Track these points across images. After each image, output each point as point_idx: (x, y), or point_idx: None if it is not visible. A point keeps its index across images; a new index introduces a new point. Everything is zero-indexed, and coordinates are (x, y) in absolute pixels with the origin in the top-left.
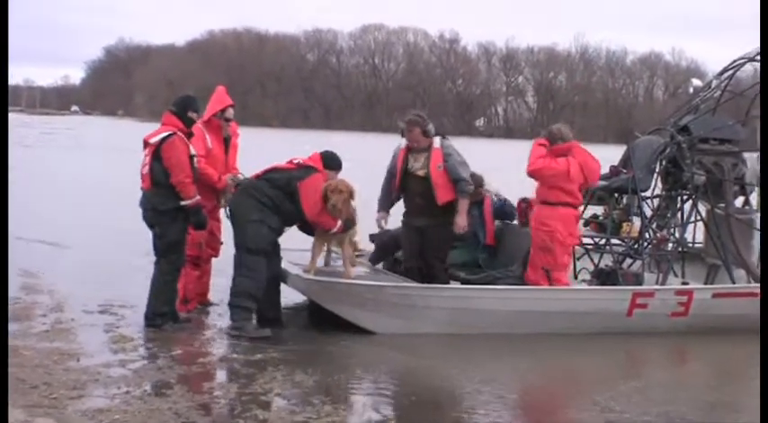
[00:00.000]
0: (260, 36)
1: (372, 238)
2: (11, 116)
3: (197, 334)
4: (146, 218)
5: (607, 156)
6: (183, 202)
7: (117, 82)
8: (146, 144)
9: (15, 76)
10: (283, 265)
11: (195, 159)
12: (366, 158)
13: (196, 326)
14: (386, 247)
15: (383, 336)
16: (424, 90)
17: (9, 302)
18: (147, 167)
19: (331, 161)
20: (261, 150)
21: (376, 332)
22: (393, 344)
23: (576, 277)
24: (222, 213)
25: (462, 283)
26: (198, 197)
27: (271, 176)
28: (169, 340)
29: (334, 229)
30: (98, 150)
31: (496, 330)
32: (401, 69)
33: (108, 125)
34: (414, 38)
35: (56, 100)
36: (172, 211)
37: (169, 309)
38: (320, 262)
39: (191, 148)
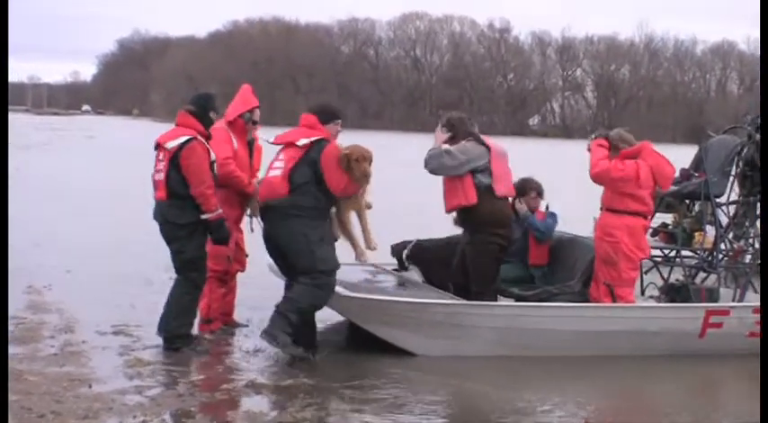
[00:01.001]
0: (289, 26)
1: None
2: (15, 116)
3: (220, 357)
4: (162, 232)
5: (676, 157)
6: (204, 216)
7: (132, 78)
8: (159, 147)
9: (19, 73)
10: None
11: (215, 166)
12: (407, 161)
13: (219, 348)
14: (421, 262)
15: (426, 358)
16: (471, 85)
17: (13, 323)
18: (161, 175)
19: (326, 114)
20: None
21: (418, 354)
22: (438, 367)
23: (642, 293)
24: (245, 223)
25: (515, 301)
26: (220, 210)
27: (298, 183)
28: (190, 364)
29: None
30: (109, 153)
31: (553, 352)
32: (446, 62)
33: (122, 126)
34: (460, 27)
35: (65, 98)
36: (190, 224)
37: (189, 330)
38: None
39: (211, 153)
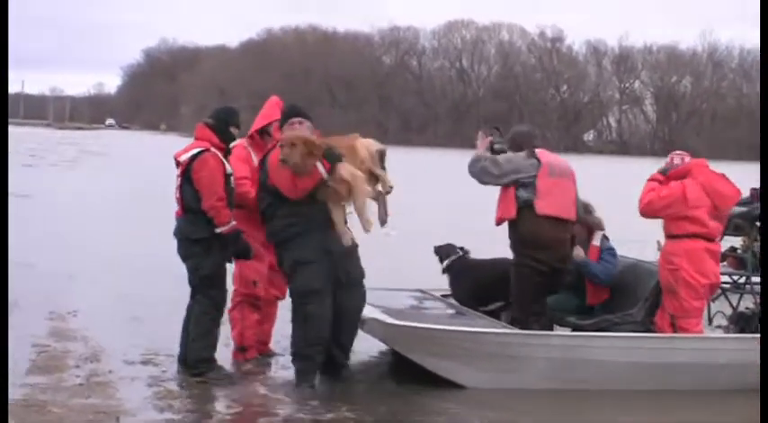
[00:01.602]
0: (327, 35)
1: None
2: (35, 131)
3: (256, 389)
4: (178, 249)
5: (743, 175)
6: (217, 230)
7: (159, 90)
8: (177, 162)
9: (41, 85)
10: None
11: (232, 179)
12: (453, 178)
13: (255, 379)
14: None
15: (477, 391)
16: (520, 98)
17: (35, 351)
18: (179, 191)
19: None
20: None
21: (468, 387)
22: (488, 401)
23: (710, 322)
24: None
25: (572, 330)
26: (234, 223)
27: (271, 203)
28: (223, 396)
29: (324, 177)
30: (132, 168)
31: (613, 386)
32: (494, 73)
33: (148, 141)
34: (509, 36)
35: (88, 111)
36: (204, 240)
37: (211, 354)
38: None
39: (227, 166)
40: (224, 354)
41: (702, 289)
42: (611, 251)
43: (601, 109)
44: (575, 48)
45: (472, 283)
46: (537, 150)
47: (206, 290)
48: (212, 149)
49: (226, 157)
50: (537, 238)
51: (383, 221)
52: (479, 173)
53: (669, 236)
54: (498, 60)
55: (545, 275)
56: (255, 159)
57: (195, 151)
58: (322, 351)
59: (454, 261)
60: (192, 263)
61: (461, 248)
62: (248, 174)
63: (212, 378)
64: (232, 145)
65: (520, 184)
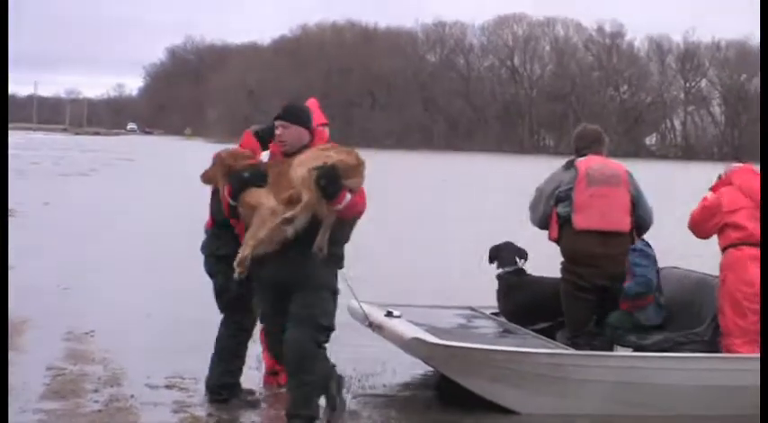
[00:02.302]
0: (367, 31)
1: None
2: (51, 137)
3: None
4: (205, 264)
5: None
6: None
7: (184, 92)
8: None
9: (57, 87)
10: (401, 324)
11: None
12: (509, 187)
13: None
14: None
15: (530, 418)
16: (577, 99)
17: (51, 374)
18: (210, 202)
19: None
20: (369, 179)
21: (521, 413)
22: None
23: None
24: None
25: (633, 350)
26: None
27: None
28: (252, 422)
29: (229, 201)
30: (155, 177)
31: (679, 411)
32: (548, 72)
33: (173, 147)
34: (564, 32)
35: (108, 116)
36: (231, 257)
37: (236, 379)
38: None
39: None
40: (255, 377)
41: (748, 302)
42: (642, 252)
43: (664, 110)
44: (636, 44)
45: (524, 299)
46: (581, 159)
47: (231, 313)
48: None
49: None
50: (576, 254)
51: (319, 249)
52: (531, 218)
53: (721, 250)
54: (553, 58)
55: (589, 293)
56: None
57: None
58: None
59: (510, 273)
60: (218, 282)
61: (520, 253)
62: None
63: (236, 404)
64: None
65: (558, 198)
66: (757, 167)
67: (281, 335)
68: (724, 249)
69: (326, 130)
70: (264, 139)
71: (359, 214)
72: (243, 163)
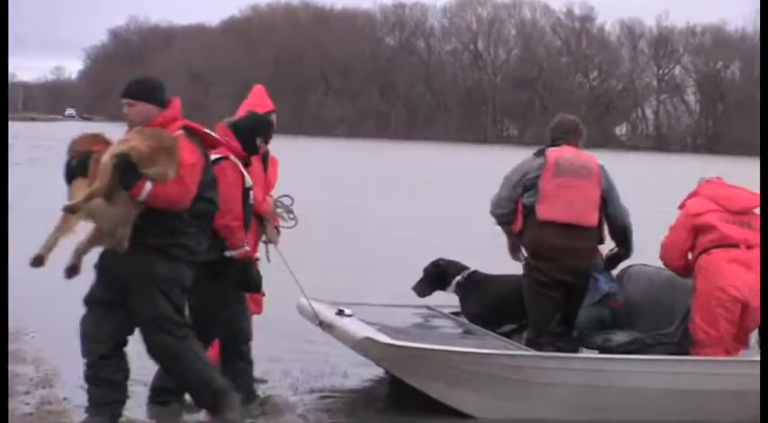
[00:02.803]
0: (321, 12)
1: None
2: None
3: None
4: None
5: None
6: (227, 253)
7: (127, 76)
8: None
9: None
10: (353, 324)
11: (251, 194)
12: (469, 179)
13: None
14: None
15: (488, 422)
16: (544, 85)
17: None
18: None
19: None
20: (320, 168)
21: (477, 417)
22: None
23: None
24: (260, 251)
25: (600, 352)
26: (247, 248)
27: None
28: None
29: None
30: None
31: (647, 416)
32: (513, 57)
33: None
34: (531, 14)
35: (45, 101)
36: (215, 264)
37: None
38: None
39: (247, 178)
40: None
41: (721, 309)
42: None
43: (636, 98)
44: (606, 28)
45: (488, 299)
46: (552, 148)
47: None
48: (232, 157)
49: (246, 168)
50: (538, 247)
51: (119, 241)
52: (493, 209)
53: (694, 262)
54: (518, 43)
55: (552, 289)
56: None
57: (212, 158)
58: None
59: (468, 276)
60: (198, 287)
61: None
62: None
63: (176, 407)
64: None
65: (525, 187)
66: (734, 162)
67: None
68: (696, 259)
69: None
70: (243, 135)
71: (173, 204)
72: (86, 148)
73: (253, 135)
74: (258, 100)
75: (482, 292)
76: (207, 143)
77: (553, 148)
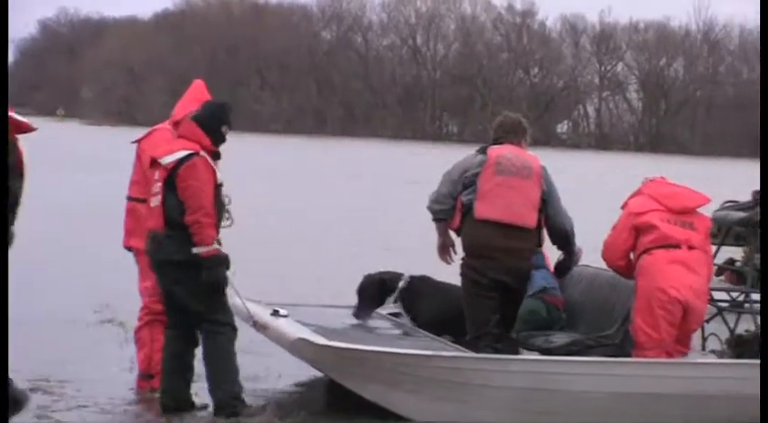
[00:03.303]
0: (257, 6)
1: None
2: None
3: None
4: (159, 272)
5: (744, 175)
6: (195, 250)
7: (56, 70)
8: (154, 163)
9: None
10: (288, 324)
11: (222, 190)
12: (405, 176)
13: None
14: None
15: None
16: (484, 82)
17: None
18: (158, 198)
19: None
20: (256, 165)
21: (414, 420)
22: None
23: (703, 347)
24: None
25: (541, 354)
26: (217, 246)
27: None
28: None
29: None
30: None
31: (588, 419)
32: (453, 53)
33: (44, 129)
34: (471, 9)
35: None
36: (194, 262)
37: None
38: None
39: (217, 174)
40: (126, 378)
41: (663, 311)
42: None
43: (577, 96)
44: (548, 24)
45: (439, 305)
46: (494, 146)
47: (214, 314)
48: (202, 153)
49: (215, 161)
50: (475, 245)
51: None
52: (431, 205)
53: (635, 262)
54: (458, 38)
55: (489, 290)
56: None
57: (182, 154)
58: None
59: (409, 281)
60: (186, 286)
61: (390, 274)
62: None
63: (106, 410)
64: (155, 128)
65: (465, 185)
66: (676, 161)
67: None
68: (637, 259)
69: None
70: (210, 127)
71: None
72: None
73: (219, 124)
74: (198, 95)
75: (430, 298)
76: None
77: (495, 146)
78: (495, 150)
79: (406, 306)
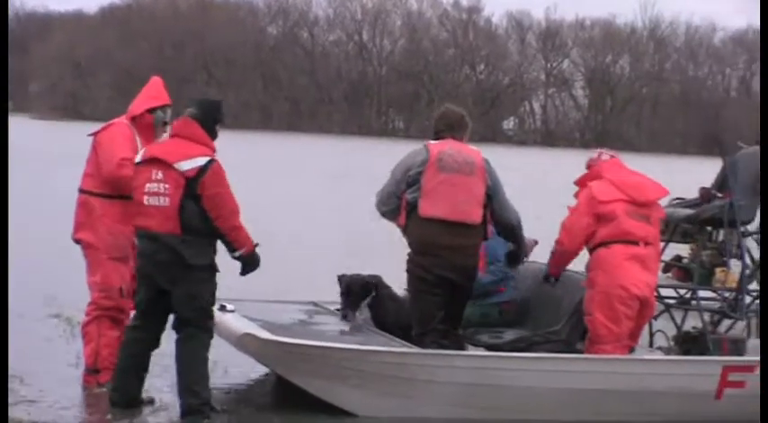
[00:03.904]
0: (203, 1)
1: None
2: None
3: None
4: (162, 272)
5: (690, 173)
6: (236, 254)
7: None
8: (154, 162)
9: None
10: (234, 320)
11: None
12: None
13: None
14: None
15: (370, 420)
16: (430, 78)
17: None
18: (166, 200)
19: None
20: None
21: (359, 415)
22: None
23: (651, 344)
24: None
25: (487, 350)
26: (253, 240)
27: None
28: None
29: None
30: None
31: (533, 415)
32: (399, 49)
33: None
34: (417, 5)
35: None
36: (210, 267)
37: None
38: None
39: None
40: (72, 373)
41: (623, 306)
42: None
43: (523, 92)
44: (494, 20)
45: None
46: (435, 142)
47: (204, 321)
48: (217, 158)
49: None
50: (421, 243)
51: None
52: (380, 205)
53: (589, 251)
54: (404, 34)
55: (435, 286)
56: (140, 144)
57: (203, 161)
58: None
59: (380, 292)
60: (189, 290)
61: (375, 278)
62: (132, 155)
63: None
64: (112, 122)
65: (408, 183)
66: (622, 158)
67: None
68: (592, 250)
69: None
70: (208, 123)
71: None
72: None
73: (215, 123)
74: (155, 93)
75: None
76: None
77: (435, 143)
78: (437, 147)
79: (373, 315)
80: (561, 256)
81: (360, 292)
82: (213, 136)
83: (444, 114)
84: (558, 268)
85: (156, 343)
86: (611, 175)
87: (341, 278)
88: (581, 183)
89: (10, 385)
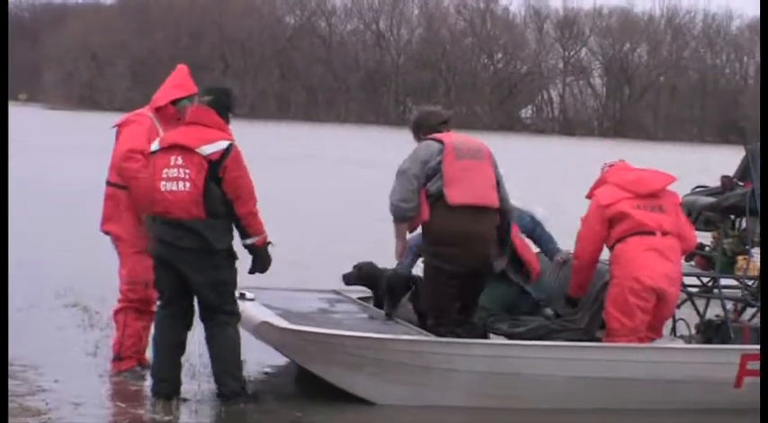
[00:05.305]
0: None
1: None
2: None
3: (133, 403)
4: (184, 259)
5: (709, 161)
6: (249, 241)
7: (19, 54)
8: (174, 148)
9: None
10: (254, 308)
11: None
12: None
13: (129, 391)
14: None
15: (387, 408)
16: (447, 67)
17: None
18: (186, 184)
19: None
20: None
21: (377, 403)
22: (401, 420)
23: (672, 332)
24: None
25: (506, 338)
26: (266, 233)
27: None
28: (94, 414)
29: None
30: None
31: (551, 404)
32: (416, 38)
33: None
34: None
35: None
36: (229, 250)
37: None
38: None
39: None
40: (90, 362)
41: (636, 298)
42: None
43: (541, 81)
44: (512, 9)
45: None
46: (441, 134)
47: (232, 305)
48: (235, 142)
49: None
50: (450, 234)
51: None
52: (392, 208)
53: (609, 249)
54: (422, 23)
55: (454, 278)
56: (162, 134)
57: (224, 145)
58: None
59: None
60: (211, 277)
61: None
62: (144, 147)
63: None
64: (135, 112)
65: (428, 176)
66: (640, 146)
67: None
68: (612, 248)
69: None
70: (224, 111)
71: None
72: None
73: (227, 110)
74: (180, 82)
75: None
76: None
77: (440, 134)
78: (447, 137)
79: (414, 306)
80: (579, 271)
81: (402, 290)
82: (227, 122)
83: (432, 113)
84: (579, 289)
85: (189, 323)
86: (614, 178)
87: (357, 267)
88: (591, 194)
89: (26, 375)
